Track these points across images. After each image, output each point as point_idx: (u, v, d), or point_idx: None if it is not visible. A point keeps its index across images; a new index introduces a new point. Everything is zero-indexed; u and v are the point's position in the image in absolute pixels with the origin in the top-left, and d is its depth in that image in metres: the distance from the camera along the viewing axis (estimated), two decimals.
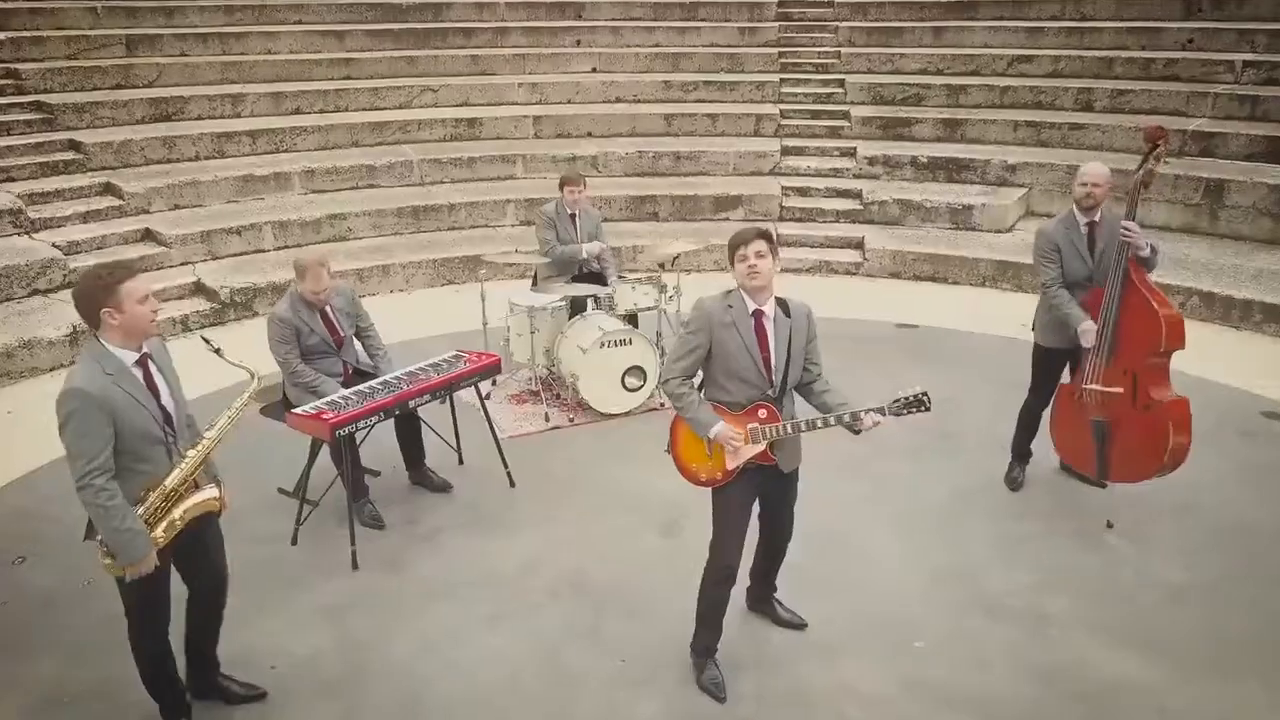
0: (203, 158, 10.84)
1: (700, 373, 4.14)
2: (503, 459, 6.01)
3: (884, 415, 3.92)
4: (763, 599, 4.69)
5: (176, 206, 10.03)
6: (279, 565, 5.22)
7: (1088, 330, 5.23)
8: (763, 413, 4.01)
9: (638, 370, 6.85)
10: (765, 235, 3.99)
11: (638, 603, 4.86)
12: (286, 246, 9.89)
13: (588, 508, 5.76)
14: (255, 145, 11.15)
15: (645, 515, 5.63)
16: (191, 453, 3.79)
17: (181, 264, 9.36)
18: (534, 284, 7.62)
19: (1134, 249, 5.10)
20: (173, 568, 3.90)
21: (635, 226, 10.83)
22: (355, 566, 5.18)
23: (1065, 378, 5.69)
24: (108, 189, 9.98)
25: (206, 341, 4.06)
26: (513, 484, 6.00)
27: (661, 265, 7.29)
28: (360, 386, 5.44)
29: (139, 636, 3.91)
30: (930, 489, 5.90)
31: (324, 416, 5.02)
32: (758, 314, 4.01)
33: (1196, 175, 10.14)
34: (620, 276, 7.46)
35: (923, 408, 3.93)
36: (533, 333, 6.96)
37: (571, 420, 6.83)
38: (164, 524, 3.71)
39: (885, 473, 6.01)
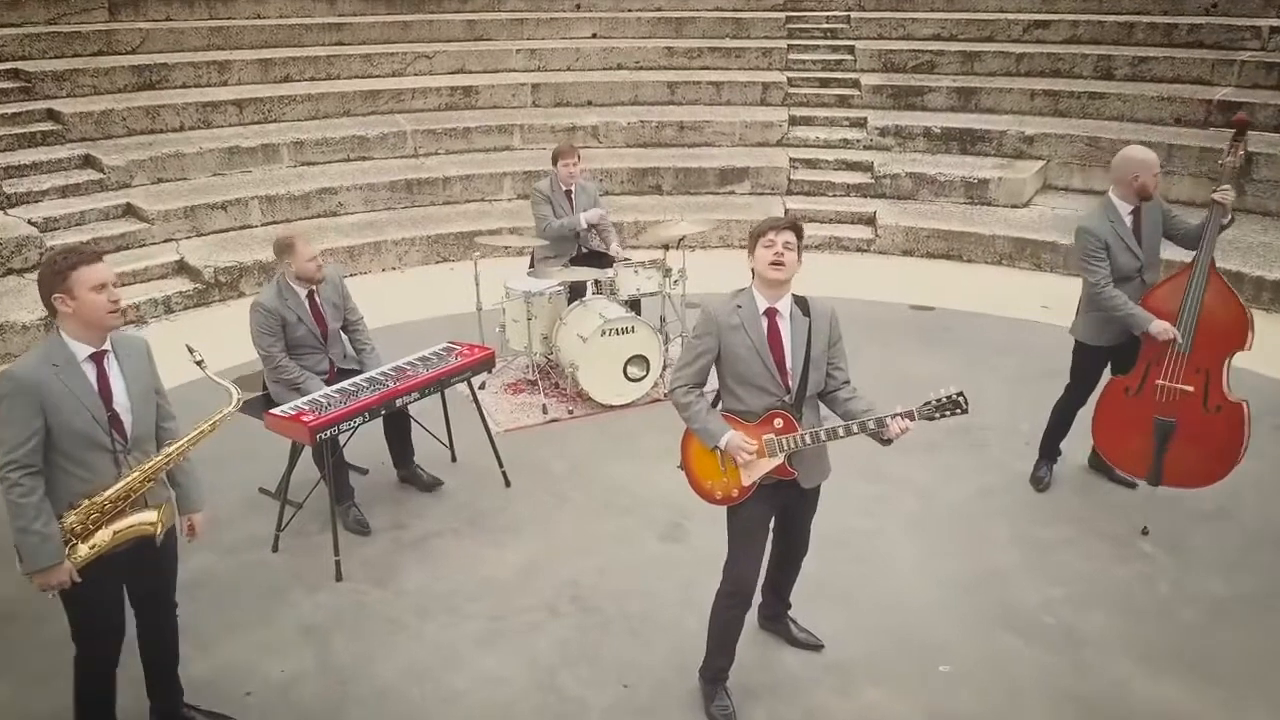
0: (187, 128, 10.39)
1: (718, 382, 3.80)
2: (497, 458, 5.66)
3: (913, 420, 3.56)
4: (775, 617, 4.36)
5: (159, 180, 9.62)
6: (258, 575, 4.89)
7: (1165, 329, 4.84)
8: (779, 422, 3.66)
9: (640, 359, 6.49)
10: (798, 229, 3.65)
11: (641, 619, 4.53)
12: (274, 222, 9.50)
13: (587, 510, 5.42)
14: (242, 115, 10.70)
15: (647, 518, 5.30)
16: (140, 466, 3.42)
17: (164, 241, 8.97)
18: (531, 265, 7.24)
19: (1220, 215, 4.90)
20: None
21: (637, 200, 10.42)
22: (339, 578, 4.84)
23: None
24: (87, 161, 9.56)
25: (191, 351, 3.68)
26: (508, 483, 5.66)
27: (665, 247, 6.90)
28: (345, 384, 5.08)
29: (77, 665, 3.59)
30: (950, 489, 5.55)
31: (304, 418, 4.66)
32: (770, 313, 3.64)
33: (1221, 147, 9.66)
34: (626, 259, 7.06)
35: (959, 410, 3.56)
36: (529, 319, 6.59)
37: (570, 412, 6.48)
38: (91, 541, 3.34)
39: (901, 471, 5.65)
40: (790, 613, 4.36)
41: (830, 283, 8.62)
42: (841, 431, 3.62)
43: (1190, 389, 4.85)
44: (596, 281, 6.77)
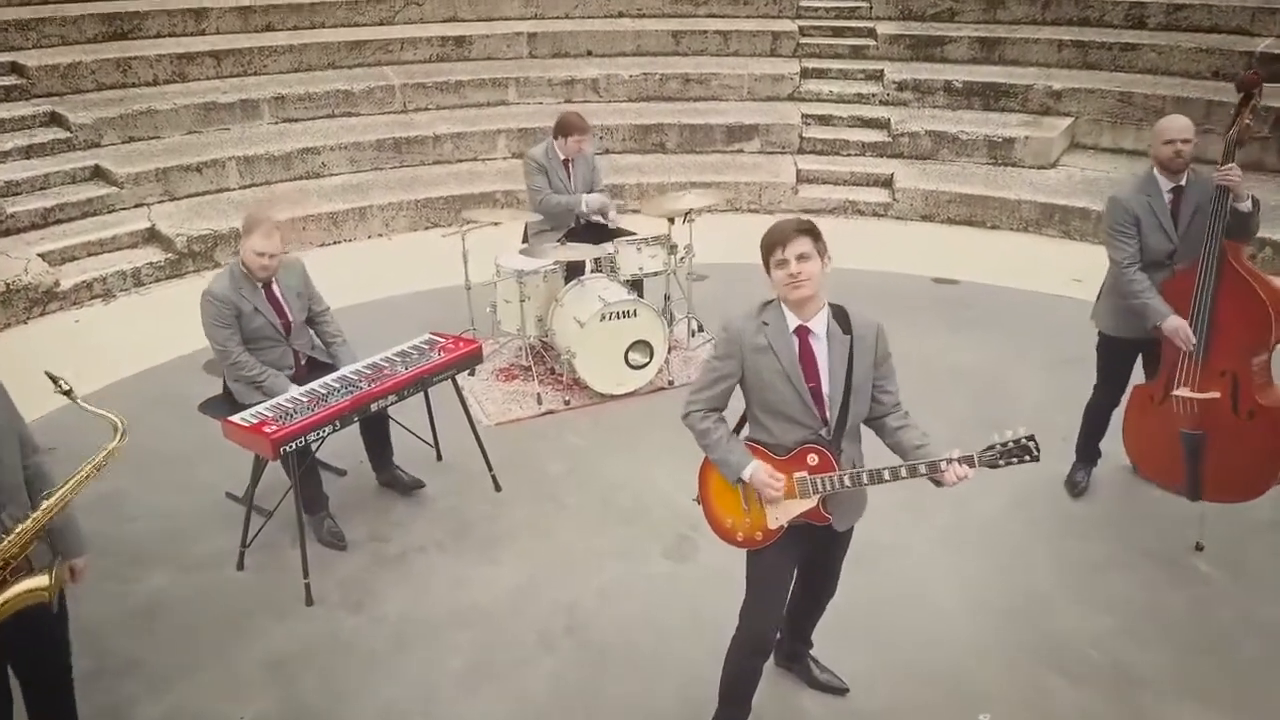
0: (161, 82, 9.73)
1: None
2: (486, 461, 5.17)
3: (973, 466, 3.05)
4: (795, 656, 3.90)
5: (130, 139, 8.99)
6: (220, 599, 4.42)
7: (1177, 329, 4.31)
8: (813, 458, 3.15)
9: (643, 345, 5.97)
10: (808, 230, 3.08)
11: (645, 654, 4.07)
12: (253, 185, 8.92)
13: (585, 519, 4.94)
14: (220, 68, 10.02)
15: (651, 529, 4.82)
16: (19, 527, 2.90)
17: (135, 206, 8.39)
18: (524, 239, 6.69)
19: (1234, 199, 4.23)
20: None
21: (639, 160, 9.81)
22: (310, 602, 4.38)
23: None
24: (53, 119, 8.94)
25: (55, 381, 3.10)
26: (498, 487, 5.17)
27: (671, 220, 6.34)
28: (314, 384, 4.57)
29: None
30: (980, 495, 5.02)
31: (266, 429, 4.16)
32: (801, 332, 3.12)
33: (1264, 104, 9.04)
34: (631, 235, 6.51)
35: (1029, 457, 3.04)
36: (522, 301, 6.06)
37: (567, 403, 5.98)
38: None
39: None
40: (811, 651, 3.90)
41: (847, 252, 8.04)
42: (887, 474, 3.11)
43: (1215, 396, 4.33)
44: (596, 259, 6.22)
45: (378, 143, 9.54)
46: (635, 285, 6.34)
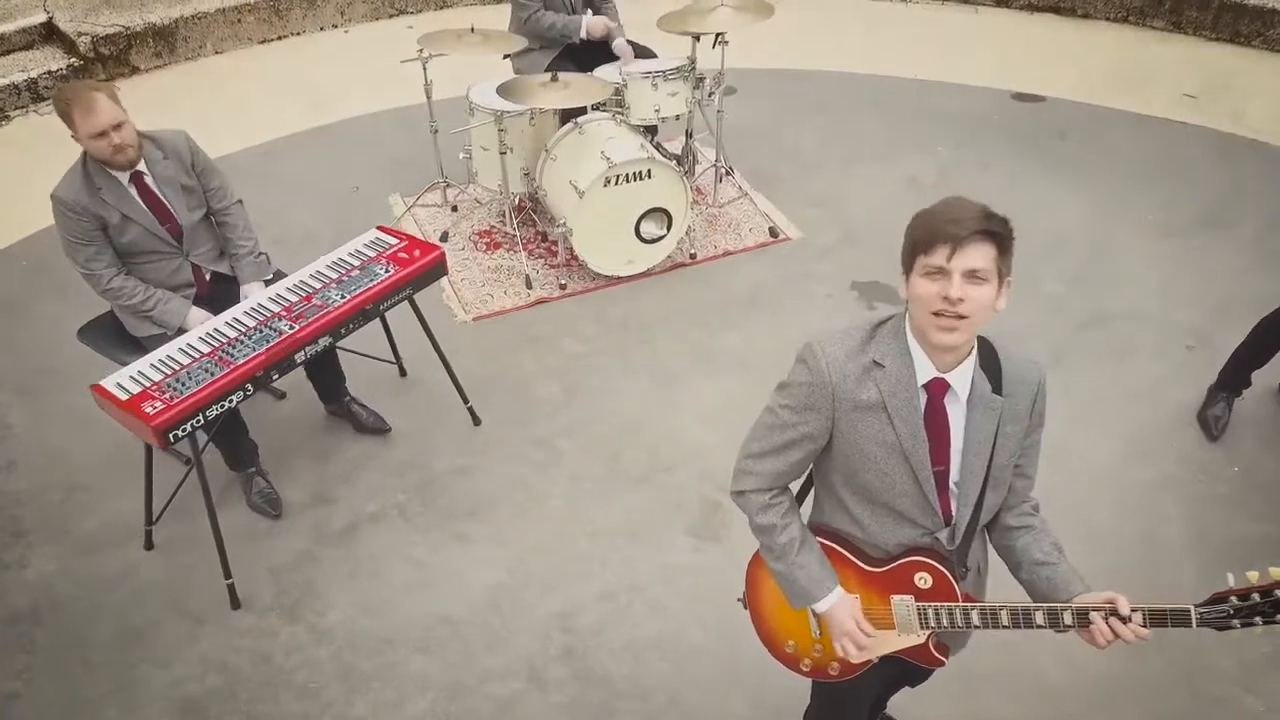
0: None
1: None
2: (461, 395, 4.05)
3: (1189, 624, 1.92)
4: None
5: None
6: (121, 597, 3.45)
7: None
8: (924, 579, 2.05)
9: (659, 214, 4.70)
10: (997, 234, 1.79)
11: (665, 695, 3.13)
12: None
13: (585, 475, 3.87)
14: None
15: (672, 491, 3.78)
16: None
17: None
18: (510, 58, 5.23)
19: None
20: None
21: None
22: (235, 604, 3.41)
23: None
24: None
25: None
26: (476, 421, 4.10)
27: (696, 38, 4.86)
28: (219, 322, 3.39)
29: None
30: (1089, 436, 3.96)
31: (147, 407, 3.03)
32: (936, 388, 1.93)
33: None
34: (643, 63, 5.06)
35: (1272, 622, 1.92)
36: (503, 153, 4.72)
37: (563, 287, 4.77)
38: None
39: None
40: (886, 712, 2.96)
41: (908, 57, 6.60)
42: (1041, 618, 1.99)
43: None
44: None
45: None
46: (649, 130, 4.96)
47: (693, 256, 4.92)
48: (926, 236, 1.80)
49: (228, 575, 3.38)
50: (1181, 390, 4.13)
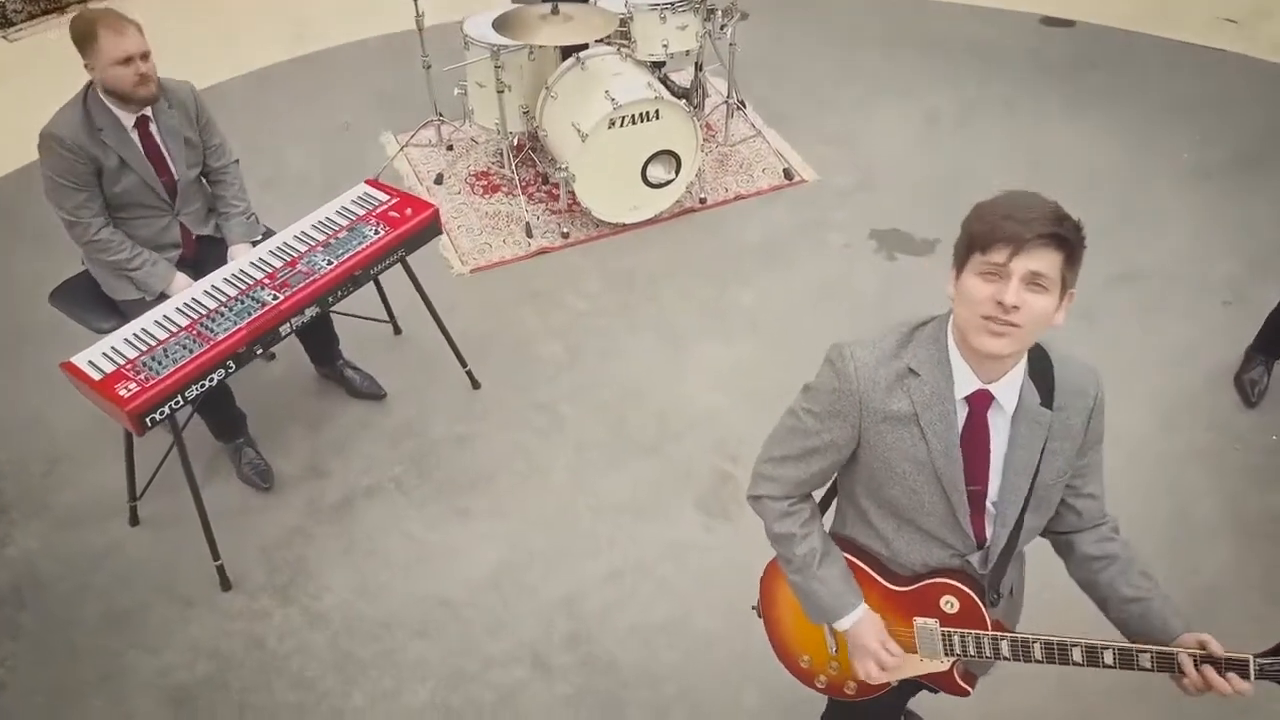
0: None
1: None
2: (459, 358, 3.85)
3: (1247, 678, 1.75)
4: None
5: None
6: (104, 577, 3.32)
7: None
8: (950, 603, 1.88)
9: (668, 157, 4.44)
10: (1065, 239, 1.60)
11: (676, 684, 3.01)
12: None
13: (589, 443, 3.69)
14: None
15: (680, 460, 3.60)
16: None
17: None
18: None
19: None
20: None
21: None
22: (226, 585, 3.28)
23: None
24: None
25: None
26: (475, 384, 3.91)
27: None
28: (200, 290, 3.18)
29: None
30: (1119, 401, 3.75)
31: (120, 390, 2.84)
32: (978, 400, 1.72)
33: None
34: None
35: None
36: (500, 91, 4.43)
37: (566, 235, 4.54)
38: None
39: None
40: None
41: None
42: (1079, 656, 1.81)
43: None
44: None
45: None
46: (656, 64, 4.66)
47: (702, 201, 4.67)
48: (986, 233, 1.58)
49: (216, 558, 3.23)
50: (1216, 351, 3.92)
